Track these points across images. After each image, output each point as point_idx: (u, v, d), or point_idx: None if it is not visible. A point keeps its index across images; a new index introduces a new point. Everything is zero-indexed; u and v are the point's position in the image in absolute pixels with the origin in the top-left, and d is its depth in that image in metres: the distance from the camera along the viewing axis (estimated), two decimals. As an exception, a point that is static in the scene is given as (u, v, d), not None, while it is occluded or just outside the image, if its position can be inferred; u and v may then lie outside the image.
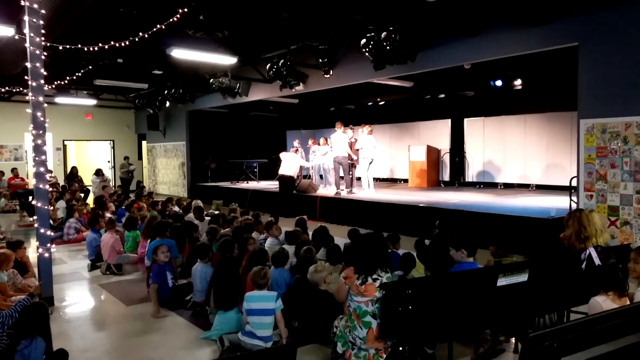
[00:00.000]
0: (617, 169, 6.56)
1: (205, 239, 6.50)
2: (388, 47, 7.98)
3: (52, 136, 17.32)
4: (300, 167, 13.11)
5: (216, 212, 8.81)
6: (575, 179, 7.41)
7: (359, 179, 12.69)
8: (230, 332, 4.27)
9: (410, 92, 13.08)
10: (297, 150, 13.75)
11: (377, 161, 12.41)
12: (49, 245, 5.38)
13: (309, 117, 18.64)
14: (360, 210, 10.53)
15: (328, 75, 10.58)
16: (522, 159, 12.74)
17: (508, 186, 13.12)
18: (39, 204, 5.34)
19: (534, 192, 11.99)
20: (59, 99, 16.47)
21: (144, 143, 20.96)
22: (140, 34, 8.02)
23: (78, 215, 9.50)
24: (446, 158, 14.50)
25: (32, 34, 5.34)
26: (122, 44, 8.47)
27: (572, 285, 3.81)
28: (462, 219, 8.43)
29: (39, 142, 5.35)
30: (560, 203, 8.89)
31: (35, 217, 5.44)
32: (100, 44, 8.46)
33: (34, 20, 5.34)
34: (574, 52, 6.98)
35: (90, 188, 15.05)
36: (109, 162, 20.54)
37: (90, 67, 11.78)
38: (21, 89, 13.53)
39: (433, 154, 14.24)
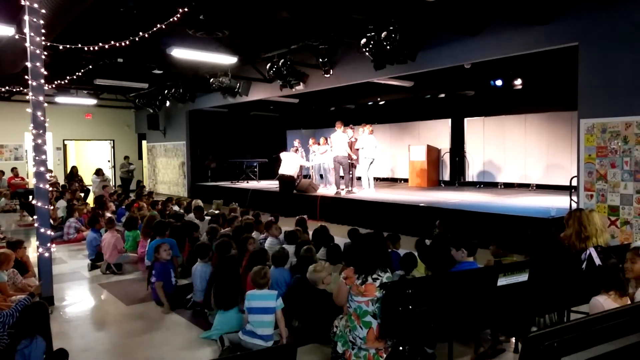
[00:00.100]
0: (618, 169, 6.56)
1: (206, 239, 6.50)
2: (388, 47, 7.97)
3: (52, 136, 17.31)
4: (301, 166, 13.11)
5: (216, 212, 8.81)
6: (575, 179, 7.41)
7: (359, 178, 12.69)
8: (231, 332, 4.27)
9: (411, 91, 13.07)
10: (297, 149, 13.75)
11: (377, 161, 12.41)
12: (49, 244, 5.38)
13: (309, 117, 18.64)
14: (361, 210, 10.53)
15: (328, 75, 10.58)
16: (522, 159, 12.74)
17: (508, 186, 13.12)
18: (39, 204, 5.34)
19: (534, 192, 11.99)
20: (59, 99, 16.48)
21: (144, 143, 20.96)
22: (141, 33, 8.02)
23: (78, 214, 9.50)
24: (446, 158, 14.50)
25: (32, 34, 5.33)
26: (123, 44, 8.47)
27: (572, 285, 3.81)
28: (463, 219, 8.43)
29: (39, 141, 5.35)
30: (561, 203, 8.89)
31: (35, 217, 5.44)
32: (100, 44, 8.47)
33: (34, 19, 5.34)
34: (574, 51, 6.98)
35: (90, 188, 15.05)
36: (109, 161, 20.54)
37: (91, 66, 11.78)
38: (21, 88, 13.54)
39: (433, 153, 14.24)
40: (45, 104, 5.43)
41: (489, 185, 13.52)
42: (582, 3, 6.79)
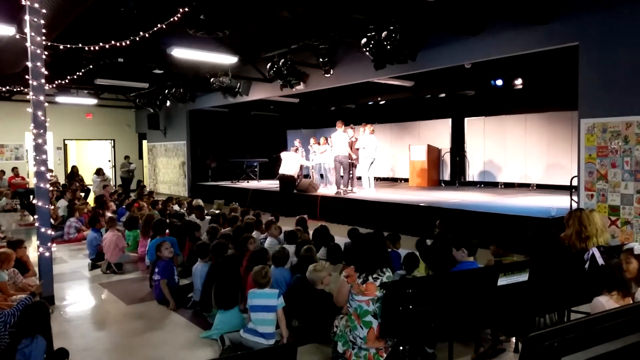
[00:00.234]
0: (618, 169, 6.55)
1: (206, 238, 6.51)
2: (388, 47, 7.97)
3: (52, 135, 17.33)
4: (301, 166, 13.12)
5: (217, 212, 8.81)
6: (575, 179, 7.41)
7: (359, 178, 12.69)
8: (231, 331, 4.27)
9: (411, 91, 13.07)
10: (297, 149, 13.76)
11: (377, 161, 12.41)
12: (49, 244, 5.38)
13: (310, 117, 18.64)
14: (361, 209, 10.54)
15: (328, 75, 10.58)
16: (522, 159, 12.73)
17: (508, 186, 13.12)
18: (40, 203, 5.35)
19: (535, 192, 11.99)
20: (60, 98, 16.48)
21: (144, 142, 20.97)
22: (141, 33, 8.02)
23: (79, 214, 9.50)
24: (447, 157, 14.50)
25: (33, 33, 5.34)
26: (123, 44, 8.47)
27: (572, 284, 3.81)
28: (463, 219, 8.43)
29: (40, 141, 5.35)
30: (561, 202, 8.89)
31: (36, 217, 5.45)
32: (101, 44, 8.47)
33: (35, 19, 5.34)
34: (575, 51, 6.98)
35: (90, 187, 15.05)
36: (109, 161, 20.55)
37: (91, 66, 11.79)
38: (22, 88, 13.53)
39: (433, 153, 14.24)
40: (46, 104, 5.43)
41: (489, 185, 13.51)
42: (582, 3, 6.79)
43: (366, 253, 3.48)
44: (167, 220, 7.28)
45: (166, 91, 14.76)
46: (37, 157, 5.35)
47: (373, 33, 8.21)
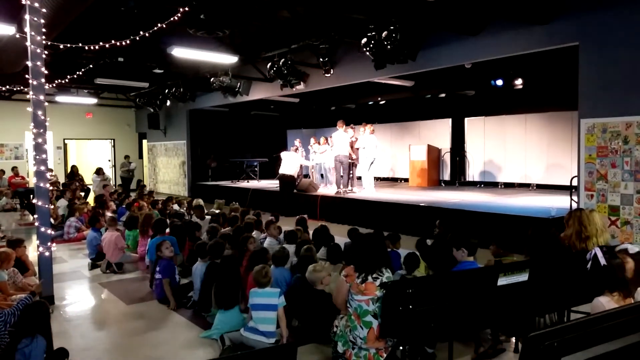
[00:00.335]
0: (618, 169, 6.56)
1: (206, 238, 6.51)
2: (389, 47, 7.97)
3: (52, 135, 17.32)
4: (301, 166, 13.11)
5: (217, 212, 8.81)
6: (575, 179, 7.41)
7: (359, 178, 12.69)
8: (231, 331, 4.27)
9: (411, 91, 13.08)
10: (297, 149, 13.76)
11: (378, 160, 12.41)
12: (49, 244, 5.38)
13: (310, 117, 18.64)
14: (361, 209, 10.53)
15: (329, 75, 10.58)
16: (522, 159, 12.73)
17: (509, 185, 13.12)
18: (40, 203, 5.34)
19: (535, 192, 11.99)
20: (60, 98, 16.48)
21: (144, 142, 20.97)
22: (141, 32, 8.02)
23: (78, 214, 9.50)
24: (447, 157, 14.50)
25: (33, 33, 5.33)
26: (123, 43, 8.47)
27: (572, 284, 3.81)
28: (463, 219, 8.43)
29: (40, 140, 5.35)
30: (561, 202, 8.89)
31: (36, 216, 5.45)
32: (101, 43, 8.47)
33: (35, 19, 5.34)
34: (575, 51, 6.98)
35: (90, 187, 15.06)
36: (109, 161, 20.55)
37: (91, 65, 11.78)
38: (22, 87, 13.53)
39: (434, 153, 14.24)
40: (46, 103, 5.43)
41: (489, 185, 13.51)
42: (582, 3, 6.78)
43: (366, 253, 3.48)
44: (167, 220, 7.28)
45: (166, 91, 14.75)
46: (37, 157, 5.35)
47: (373, 33, 8.21)
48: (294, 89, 11.51)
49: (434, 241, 5.54)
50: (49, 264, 5.41)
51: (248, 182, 16.50)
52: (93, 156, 21.17)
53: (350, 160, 12.19)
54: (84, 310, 5.41)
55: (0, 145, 17.62)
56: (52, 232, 5.63)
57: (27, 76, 5.34)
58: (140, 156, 21.22)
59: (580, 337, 2.21)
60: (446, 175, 14.58)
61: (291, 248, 5.60)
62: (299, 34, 9.68)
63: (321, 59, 10.26)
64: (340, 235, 6.93)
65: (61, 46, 8.48)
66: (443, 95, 13.71)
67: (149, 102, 16.32)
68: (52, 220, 6.22)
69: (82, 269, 7.14)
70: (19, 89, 14.23)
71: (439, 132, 14.71)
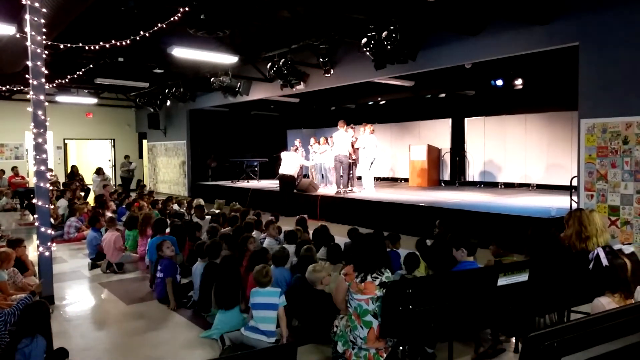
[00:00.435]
0: (618, 169, 6.55)
1: (206, 238, 6.51)
2: (389, 47, 7.97)
3: (52, 135, 17.32)
4: (301, 166, 13.11)
5: (217, 211, 8.81)
6: (575, 179, 7.41)
7: (359, 178, 12.69)
8: (231, 331, 4.27)
9: (411, 91, 13.07)
10: (297, 149, 13.76)
11: (378, 160, 12.41)
12: (49, 243, 5.38)
13: (310, 117, 18.64)
14: (361, 209, 10.53)
15: (329, 75, 10.58)
16: (522, 159, 12.73)
17: (509, 186, 13.12)
18: (40, 203, 5.35)
19: (535, 192, 11.99)
20: (60, 98, 16.48)
21: (144, 142, 20.97)
22: (141, 32, 8.02)
23: (79, 214, 9.50)
24: (447, 157, 14.50)
25: (33, 33, 5.33)
26: (123, 43, 8.47)
27: (572, 285, 3.81)
28: (463, 219, 8.43)
29: (40, 140, 5.35)
30: (561, 203, 8.89)
31: (36, 216, 5.45)
32: (101, 43, 8.47)
33: (35, 18, 5.34)
34: (575, 51, 6.98)
35: (90, 187, 15.06)
36: (109, 160, 20.55)
37: (91, 65, 11.78)
38: (22, 87, 13.53)
39: (434, 153, 14.24)
40: (46, 103, 5.43)
41: (489, 185, 13.51)
42: (582, 3, 6.78)
43: (365, 253, 3.48)
44: (167, 220, 7.29)
45: (166, 91, 14.76)
46: (37, 157, 5.35)
47: (373, 33, 8.21)
48: (294, 89, 11.51)
49: (434, 241, 5.54)
50: (49, 264, 5.41)
51: (248, 182, 16.50)
52: (93, 156, 21.18)
53: (350, 160, 12.20)
54: (84, 310, 5.41)
55: (0, 145, 17.63)
56: (52, 232, 5.63)
57: (27, 76, 5.34)
58: (140, 156, 21.22)
59: (580, 337, 2.21)
60: (446, 175, 14.58)
61: (291, 248, 5.60)
62: (299, 34, 9.67)
63: (321, 59, 10.26)
64: (340, 235, 6.93)
65: (61, 46, 8.48)
66: (443, 95, 13.71)
67: (149, 102, 16.32)
68: (52, 220, 6.22)
69: (82, 269, 7.14)
70: (19, 88, 14.24)
71: (439, 132, 14.70)
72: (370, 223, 9.72)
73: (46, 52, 5.60)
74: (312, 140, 14.37)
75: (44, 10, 5.49)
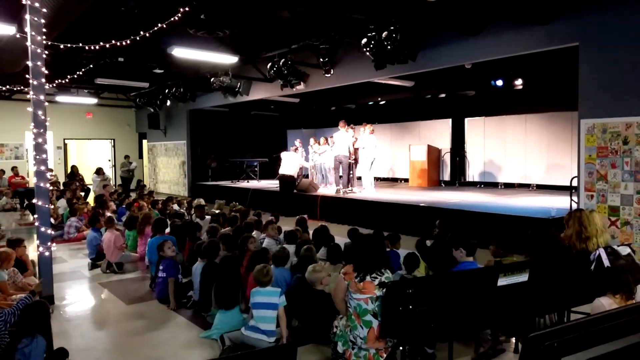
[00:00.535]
0: (618, 169, 6.55)
1: (206, 238, 6.50)
2: (389, 47, 7.97)
3: (52, 135, 17.31)
4: (301, 166, 13.12)
5: (217, 212, 8.81)
6: (575, 179, 7.41)
7: (359, 178, 12.70)
8: (231, 331, 4.27)
9: (411, 91, 13.07)
10: (296, 149, 13.76)
11: (377, 160, 12.41)
12: (49, 243, 5.38)
13: (310, 117, 18.64)
14: (361, 209, 10.53)
15: (329, 75, 10.58)
16: (522, 159, 12.73)
17: (509, 186, 13.11)
18: (40, 203, 5.35)
19: (535, 192, 11.99)
20: (60, 98, 16.48)
21: (144, 142, 20.97)
22: (142, 33, 8.02)
23: (79, 214, 9.50)
24: (447, 158, 14.50)
25: (33, 33, 5.33)
26: (123, 43, 8.47)
27: (572, 285, 3.81)
28: (463, 219, 8.43)
29: (40, 140, 5.35)
30: (561, 203, 8.89)
31: (36, 216, 5.45)
32: (101, 43, 8.47)
33: (35, 18, 5.34)
34: (575, 52, 6.98)
35: (90, 187, 15.06)
36: (109, 160, 20.55)
37: (92, 65, 11.78)
38: (22, 87, 13.53)
39: (434, 153, 14.24)
40: (46, 103, 5.43)
41: (489, 185, 13.51)
42: (582, 3, 6.79)
43: (364, 254, 3.48)
44: (167, 220, 7.29)
45: (166, 91, 14.76)
46: (37, 157, 5.35)
47: (373, 33, 8.21)
48: (294, 89, 11.51)
49: (434, 241, 5.54)
50: (49, 264, 5.41)
51: (248, 182, 16.50)
52: (93, 156, 21.17)
53: (350, 160, 12.20)
54: (84, 310, 5.41)
55: (0, 145, 17.63)
56: (52, 232, 5.63)
57: (27, 76, 5.34)
58: (140, 156, 21.22)
59: (580, 338, 2.21)
60: (446, 176, 14.57)
61: (291, 248, 5.60)
62: (299, 34, 9.68)
63: (321, 59, 10.26)
64: (340, 236, 6.93)
65: (61, 46, 8.48)
66: (443, 95, 13.71)
67: (149, 102, 16.32)
68: (52, 220, 6.22)
69: (82, 269, 7.14)
70: (19, 88, 14.23)
71: (439, 132, 14.70)
72: (370, 223, 9.72)
73: (46, 52, 5.60)
74: (311, 140, 14.37)
75: (44, 10, 5.49)
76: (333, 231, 6.70)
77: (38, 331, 3.39)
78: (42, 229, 5.33)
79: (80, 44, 8.57)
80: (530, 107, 12.45)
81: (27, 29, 5.37)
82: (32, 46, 5.32)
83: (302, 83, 11.23)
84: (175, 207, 9.96)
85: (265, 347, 3.90)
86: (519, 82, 11.10)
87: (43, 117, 5.34)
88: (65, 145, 19.64)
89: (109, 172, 18.81)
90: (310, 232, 6.74)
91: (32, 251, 6.93)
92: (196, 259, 5.48)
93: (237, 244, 5.65)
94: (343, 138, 12.01)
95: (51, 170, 12.04)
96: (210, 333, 4.44)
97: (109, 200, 10.98)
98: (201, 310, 4.98)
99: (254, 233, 6.55)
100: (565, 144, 11.55)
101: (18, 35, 7.83)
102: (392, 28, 7.85)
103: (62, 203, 10.70)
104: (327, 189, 13.11)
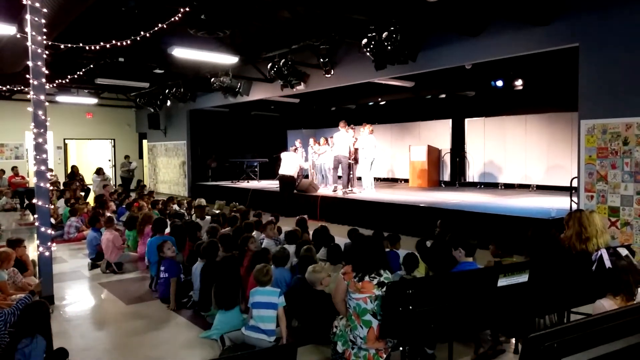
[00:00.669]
0: (618, 170, 6.55)
1: (206, 238, 6.50)
2: (389, 47, 7.97)
3: (53, 135, 17.32)
4: (301, 167, 13.12)
5: (217, 212, 8.81)
6: (575, 180, 7.41)
7: (359, 178, 12.70)
8: (231, 331, 4.27)
9: (411, 92, 13.08)
10: (296, 149, 13.76)
11: (377, 161, 12.41)
12: (49, 243, 5.38)
13: (310, 117, 18.65)
14: (361, 210, 10.53)
15: (329, 75, 10.58)
16: (522, 160, 12.73)
17: (509, 186, 13.11)
18: (40, 203, 5.35)
19: (535, 193, 11.99)
20: (60, 98, 16.48)
21: (144, 142, 20.97)
22: (142, 33, 8.02)
23: (79, 214, 9.50)
24: (447, 158, 14.50)
25: (33, 33, 5.34)
26: (124, 43, 8.47)
27: (572, 286, 3.81)
28: (463, 219, 8.43)
29: (40, 140, 5.35)
30: (561, 203, 8.89)
31: (36, 216, 5.45)
32: (101, 43, 8.47)
33: (36, 18, 5.34)
34: (575, 52, 6.98)
35: (90, 187, 15.06)
36: (109, 161, 20.56)
37: (92, 65, 11.79)
38: (22, 87, 13.53)
39: (434, 154, 14.24)
40: (46, 103, 5.43)
41: (489, 185, 13.51)
42: (582, 3, 6.79)
43: (364, 254, 3.49)
44: (167, 220, 7.29)
45: (167, 91, 14.76)
46: (37, 157, 5.35)
47: (374, 33, 8.22)
48: (294, 90, 11.51)
49: (434, 242, 5.54)
50: (49, 264, 5.41)
51: (248, 182, 16.50)
52: (93, 156, 21.17)
53: (350, 160, 12.20)
54: (84, 310, 5.41)
55: (0, 145, 17.63)
56: (52, 232, 5.63)
57: (27, 76, 5.34)
58: (141, 156, 21.22)
59: (580, 338, 2.21)
60: (446, 176, 14.58)
61: (291, 248, 5.60)
62: (299, 34, 9.68)
63: (321, 60, 10.26)
64: (340, 236, 6.93)
65: (62, 46, 8.49)
66: (443, 95, 13.71)
67: (149, 102, 16.33)
68: (52, 220, 6.22)
69: (82, 269, 7.14)
70: (19, 88, 14.23)
71: (439, 133, 14.70)
72: (370, 223, 9.72)
73: (46, 52, 5.60)
74: (311, 141, 14.38)
75: (45, 10, 5.49)
76: (333, 231, 6.70)
77: (38, 331, 3.39)
78: (42, 229, 5.33)
79: (81, 44, 8.57)
80: (530, 108, 12.45)
81: (28, 29, 5.38)
82: (33, 46, 5.32)
83: (302, 83, 11.23)
84: (175, 207, 9.96)
85: (265, 346, 3.91)
86: (519, 83, 11.10)
87: (43, 117, 5.34)
88: (65, 145, 19.64)
89: (109, 172, 18.82)
90: (311, 233, 6.74)
91: (32, 251, 6.94)
92: (196, 259, 5.47)
93: (236, 244, 5.65)
94: (343, 138, 12.01)
95: (51, 170, 12.04)
96: (210, 333, 4.44)
97: (109, 200, 10.99)
98: (201, 310, 4.98)
99: (254, 233, 6.55)
100: (565, 145, 11.55)
101: (18, 35, 7.83)
102: (392, 28, 7.86)
103: (62, 203, 10.70)
104: (327, 190, 13.11)
